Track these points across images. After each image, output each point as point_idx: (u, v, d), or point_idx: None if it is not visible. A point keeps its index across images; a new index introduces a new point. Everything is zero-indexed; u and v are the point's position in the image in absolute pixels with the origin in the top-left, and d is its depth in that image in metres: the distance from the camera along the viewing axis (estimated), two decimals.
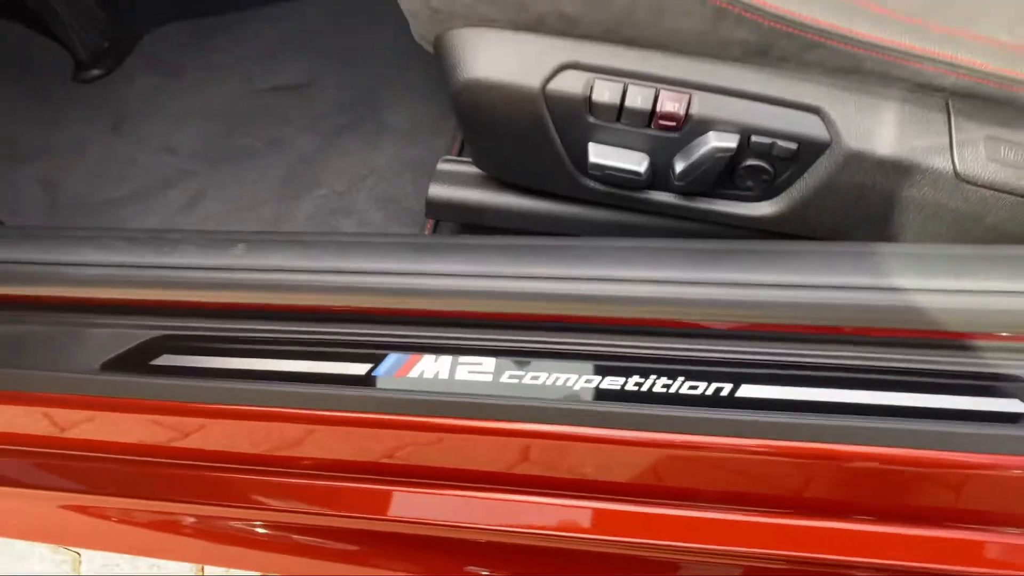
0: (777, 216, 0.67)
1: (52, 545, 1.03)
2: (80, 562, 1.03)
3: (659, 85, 0.62)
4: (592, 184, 0.69)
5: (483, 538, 0.63)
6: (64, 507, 0.73)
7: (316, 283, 0.60)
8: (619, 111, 0.63)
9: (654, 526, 0.58)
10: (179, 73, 1.19)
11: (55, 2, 1.21)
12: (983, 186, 0.61)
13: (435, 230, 0.83)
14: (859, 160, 0.62)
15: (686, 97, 0.62)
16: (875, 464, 0.55)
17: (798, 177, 0.64)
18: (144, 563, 1.02)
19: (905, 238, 0.65)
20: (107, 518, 0.74)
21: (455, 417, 0.59)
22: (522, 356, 0.59)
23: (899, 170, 0.62)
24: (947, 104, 0.62)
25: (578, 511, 0.60)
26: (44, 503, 0.73)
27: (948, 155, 0.61)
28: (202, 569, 1.02)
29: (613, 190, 0.69)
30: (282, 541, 0.71)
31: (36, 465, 0.70)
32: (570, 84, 0.63)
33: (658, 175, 0.67)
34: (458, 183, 0.75)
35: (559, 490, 0.60)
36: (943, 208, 0.63)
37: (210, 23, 1.25)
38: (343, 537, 0.70)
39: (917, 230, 0.65)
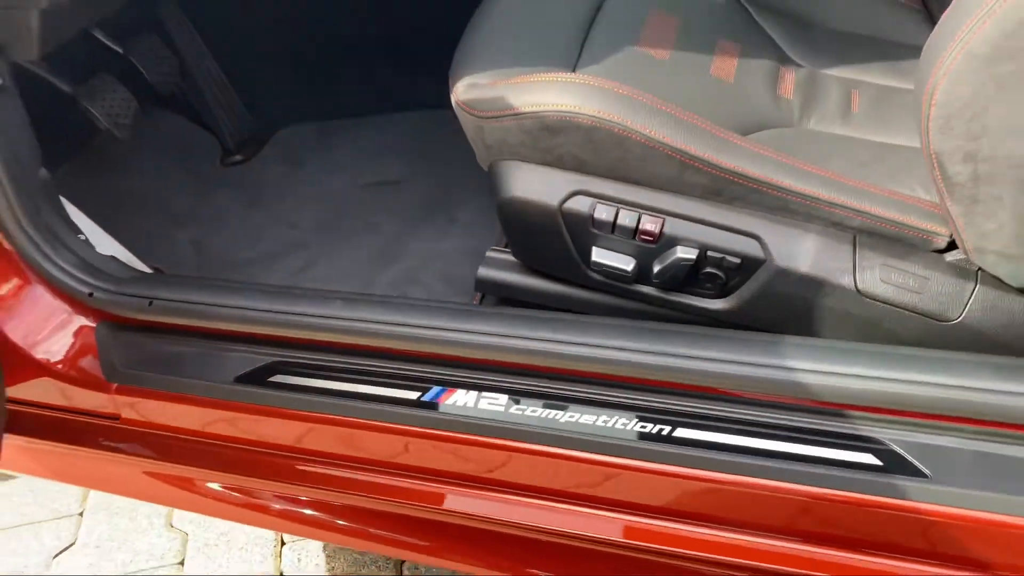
0: (728, 311, 0.89)
1: (167, 523, 1.30)
2: (188, 540, 1.29)
3: (641, 210, 0.86)
4: (595, 276, 0.93)
5: (480, 523, 0.86)
6: (197, 479, 1.00)
7: (387, 331, 0.86)
8: (613, 227, 0.87)
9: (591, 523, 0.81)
10: (303, 164, 1.51)
11: (212, 101, 1.55)
12: (878, 301, 0.82)
13: (481, 301, 1.08)
14: (786, 275, 0.84)
15: (661, 220, 0.86)
16: (770, 492, 0.76)
17: (742, 284, 0.87)
18: (239, 540, 1.27)
19: (823, 334, 0.87)
20: (226, 490, 1.00)
21: (474, 434, 0.83)
22: (523, 395, 0.83)
23: (815, 284, 0.84)
24: (854, 238, 0.84)
25: (536, 508, 0.83)
26: (183, 475, 1.00)
27: (852, 276, 0.83)
28: (280, 540, 1.27)
29: (609, 282, 0.93)
30: (345, 518, 0.96)
31: (184, 447, 0.97)
32: (579, 205, 0.88)
33: (642, 273, 0.90)
34: (500, 268, 1.01)
35: (534, 490, 0.83)
36: (849, 315, 0.84)
37: (331, 126, 1.57)
38: (391, 521, 0.94)
39: (832, 329, 0.86)
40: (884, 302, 0.82)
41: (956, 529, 0.72)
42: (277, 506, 0.99)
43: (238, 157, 1.55)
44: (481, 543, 0.91)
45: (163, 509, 1.32)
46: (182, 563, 1.25)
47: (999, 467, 0.71)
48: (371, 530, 0.97)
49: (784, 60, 1.08)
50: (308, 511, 0.98)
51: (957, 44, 0.67)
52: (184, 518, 1.31)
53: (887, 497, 0.72)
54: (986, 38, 0.65)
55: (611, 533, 0.82)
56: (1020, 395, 0.70)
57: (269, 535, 1.27)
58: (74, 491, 1.36)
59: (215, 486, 1.01)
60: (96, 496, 1.35)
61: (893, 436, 0.74)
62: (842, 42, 1.14)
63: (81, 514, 1.34)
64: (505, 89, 0.87)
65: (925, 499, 0.72)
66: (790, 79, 1.04)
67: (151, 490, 1.07)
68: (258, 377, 0.92)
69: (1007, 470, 0.70)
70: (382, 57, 1.53)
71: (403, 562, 1.24)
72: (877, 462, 0.74)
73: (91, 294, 0.96)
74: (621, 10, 1.03)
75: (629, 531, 0.81)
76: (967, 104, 0.68)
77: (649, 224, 0.86)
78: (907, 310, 0.82)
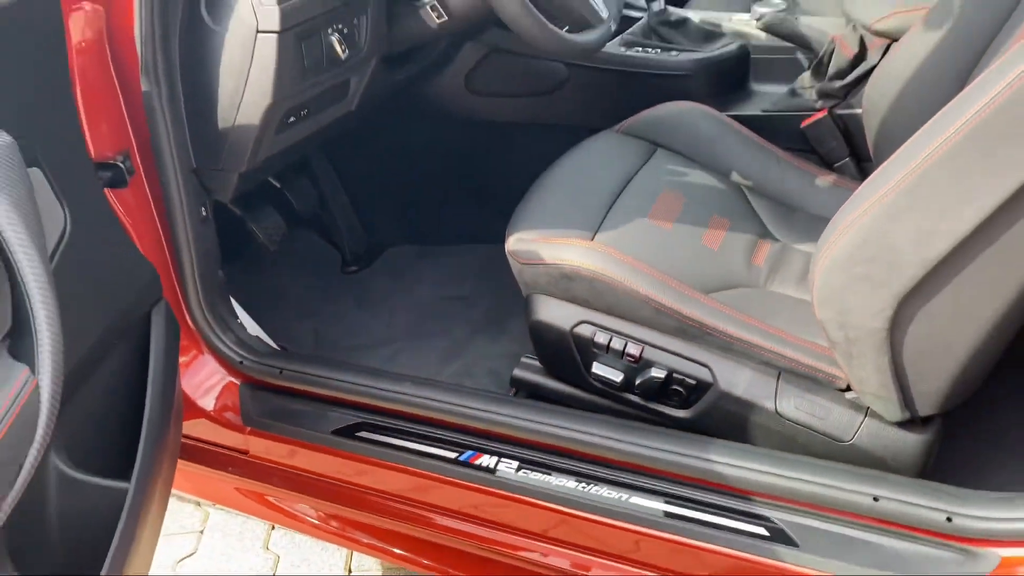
0: (688, 419, 1.21)
1: (264, 545, 1.66)
2: (279, 562, 1.65)
3: (628, 339, 1.21)
4: (594, 383, 1.27)
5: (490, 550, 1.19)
6: (296, 503, 1.37)
7: (440, 407, 1.22)
8: (607, 348, 1.22)
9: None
10: (401, 277, 1.93)
11: (340, 224, 2.00)
12: (792, 422, 1.13)
13: (516, 394, 1.43)
14: (728, 397, 1.16)
15: (641, 347, 1.20)
16: (697, 548, 1.06)
17: (698, 400, 1.19)
18: (316, 563, 1.60)
19: (755, 443, 1.17)
20: (318, 514, 1.37)
21: (492, 488, 1.17)
22: (527, 463, 1.17)
23: (748, 406, 1.15)
24: (779, 374, 1.15)
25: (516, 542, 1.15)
26: (286, 499, 1.38)
27: (774, 402, 1.14)
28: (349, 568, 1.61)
29: (605, 388, 1.26)
30: (401, 544, 1.30)
31: (292, 478, 1.34)
32: (584, 331, 1.23)
33: (627, 385, 1.24)
34: (530, 371, 1.36)
35: (519, 530, 1.16)
36: (772, 430, 1.15)
37: (427, 249, 1.99)
38: (433, 551, 1.28)
39: (761, 440, 1.16)
40: (796, 423, 1.13)
41: None
42: (353, 532, 1.35)
43: (354, 268, 1.98)
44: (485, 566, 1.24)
45: (262, 533, 1.69)
46: None
47: (846, 542, 0.99)
48: (423, 560, 1.31)
49: (765, 234, 1.41)
50: (371, 538, 1.33)
51: (828, 247, 1.00)
52: (278, 543, 1.67)
53: (770, 559, 1.02)
54: (845, 245, 0.98)
55: (565, 564, 1.13)
56: (864, 495, 0.99)
57: (340, 561, 1.62)
58: (199, 513, 1.75)
59: (307, 509, 1.38)
60: (215, 517, 1.74)
61: (780, 516, 1.04)
62: (817, 224, 1.46)
63: (202, 532, 1.73)
64: (540, 245, 1.25)
65: (794, 562, 1.01)
66: (765, 250, 1.37)
67: (261, 509, 1.45)
68: (349, 432, 1.29)
69: (851, 544, 0.99)
70: (470, 200, 1.96)
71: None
72: (766, 533, 1.04)
73: (241, 362, 1.36)
74: (641, 188, 1.41)
75: (582, 566, 1.12)
76: (835, 291, 1.01)
77: (633, 349, 1.20)
78: (814, 431, 1.12)
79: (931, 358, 0.99)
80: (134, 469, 1.02)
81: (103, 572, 0.93)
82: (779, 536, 1.03)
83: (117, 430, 1.09)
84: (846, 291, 0.99)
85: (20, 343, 0.76)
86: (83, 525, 1.02)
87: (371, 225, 2.02)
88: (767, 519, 1.05)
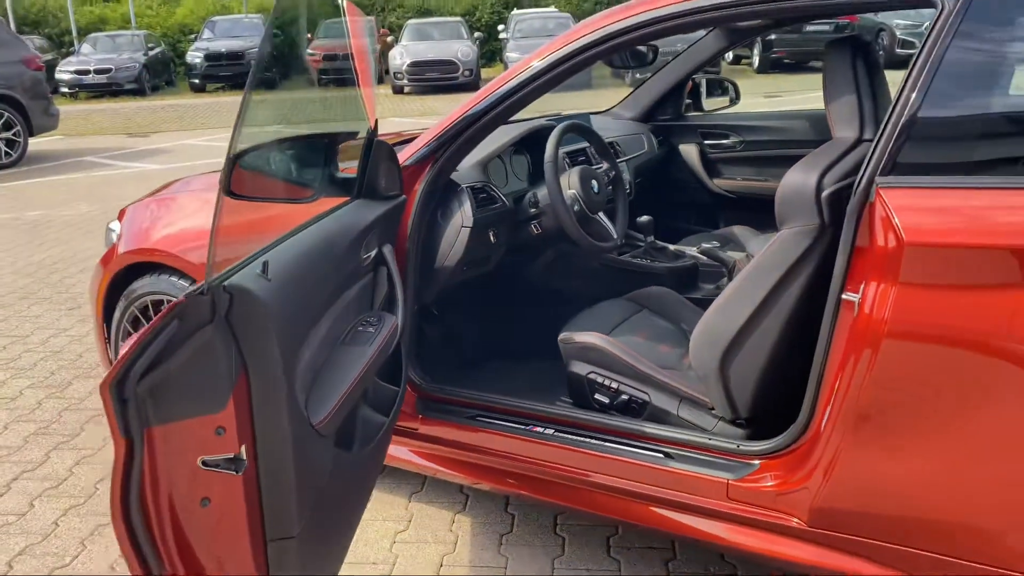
0: (638, 420, 2.54)
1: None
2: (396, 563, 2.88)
3: (612, 381, 2.58)
4: (595, 404, 2.61)
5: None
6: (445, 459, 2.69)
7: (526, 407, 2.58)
8: (602, 387, 2.59)
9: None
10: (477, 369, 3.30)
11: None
12: (687, 420, 2.46)
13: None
14: (657, 408, 2.51)
15: (618, 385, 2.57)
16: (618, 460, 2.37)
17: (643, 411, 2.53)
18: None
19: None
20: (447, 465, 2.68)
21: (543, 441, 2.51)
22: (560, 429, 2.50)
23: (666, 412, 2.49)
24: (680, 399, 2.51)
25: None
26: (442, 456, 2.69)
27: (677, 411, 2.48)
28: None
29: (599, 405, 2.60)
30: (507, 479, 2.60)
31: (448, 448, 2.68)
32: (593, 377, 2.60)
33: (611, 404, 2.58)
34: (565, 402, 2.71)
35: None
36: (678, 426, 2.48)
37: (490, 363, 3.38)
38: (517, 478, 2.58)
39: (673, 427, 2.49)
40: (688, 421, 2.46)
41: None
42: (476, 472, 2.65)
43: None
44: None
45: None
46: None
47: (694, 458, 2.31)
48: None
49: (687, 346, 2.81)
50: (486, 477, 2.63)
51: (695, 334, 2.40)
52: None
53: (664, 467, 2.32)
54: (698, 331, 2.37)
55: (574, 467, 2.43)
56: (701, 436, 2.32)
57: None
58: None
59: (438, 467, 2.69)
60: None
61: (669, 451, 2.35)
62: None
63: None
64: (575, 335, 2.66)
65: (670, 468, 2.31)
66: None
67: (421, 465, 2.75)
68: (472, 416, 2.64)
69: (698, 459, 2.31)
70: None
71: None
72: (660, 455, 2.34)
73: (421, 386, 2.73)
74: (632, 322, 2.83)
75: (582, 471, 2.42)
76: (695, 353, 2.38)
77: (614, 386, 2.56)
78: (695, 425, 2.45)
79: (742, 385, 2.33)
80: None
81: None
82: (669, 457, 2.33)
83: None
84: (700, 352, 2.36)
85: (392, 309, 2.20)
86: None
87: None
88: (663, 452, 2.35)
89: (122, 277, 3.15)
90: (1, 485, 3.18)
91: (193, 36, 23.86)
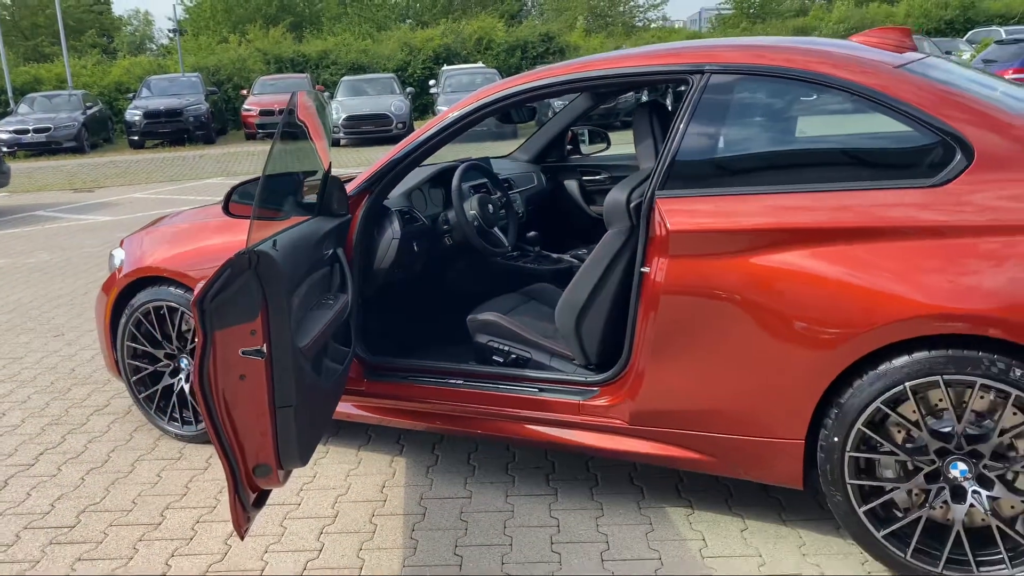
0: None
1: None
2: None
3: (506, 345, 3.60)
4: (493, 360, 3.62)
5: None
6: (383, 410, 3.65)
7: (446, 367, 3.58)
8: (499, 351, 3.60)
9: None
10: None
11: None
12: (558, 370, 3.49)
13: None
14: (535, 362, 3.52)
15: (509, 347, 3.59)
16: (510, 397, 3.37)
17: (526, 364, 3.55)
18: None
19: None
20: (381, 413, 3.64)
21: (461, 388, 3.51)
22: (471, 380, 3.50)
23: (539, 364, 3.52)
24: (551, 354, 3.53)
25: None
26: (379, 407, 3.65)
27: (549, 361, 3.51)
28: None
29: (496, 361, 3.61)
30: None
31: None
32: (491, 343, 3.62)
33: (504, 361, 3.59)
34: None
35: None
36: (551, 370, 3.51)
37: (417, 339, 4.36)
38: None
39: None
40: (560, 370, 3.49)
41: None
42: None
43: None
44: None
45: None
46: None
47: (557, 387, 3.33)
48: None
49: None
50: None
51: (561, 302, 3.44)
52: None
53: (541, 397, 3.33)
54: (563, 298, 3.42)
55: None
56: (563, 372, 3.34)
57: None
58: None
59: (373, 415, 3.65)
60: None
61: (544, 386, 3.37)
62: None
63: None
64: (475, 317, 3.68)
65: (541, 396, 3.33)
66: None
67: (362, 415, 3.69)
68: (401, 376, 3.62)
69: (557, 387, 3.33)
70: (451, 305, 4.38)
71: None
72: (537, 390, 3.35)
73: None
74: (518, 300, 3.86)
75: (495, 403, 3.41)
76: (560, 316, 3.42)
77: (506, 349, 3.59)
78: (564, 372, 3.48)
79: (590, 338, 3.36)
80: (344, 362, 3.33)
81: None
82: (543, 391, 3.34)
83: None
84: (561, 317, 3.40)
85: (344, 291, 3.20)
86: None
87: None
88: (537, 387, 3.36)
89: (125, 293, 4.05)
90: (31, 457, 4.01)
91: (131, 95, 24.54)
